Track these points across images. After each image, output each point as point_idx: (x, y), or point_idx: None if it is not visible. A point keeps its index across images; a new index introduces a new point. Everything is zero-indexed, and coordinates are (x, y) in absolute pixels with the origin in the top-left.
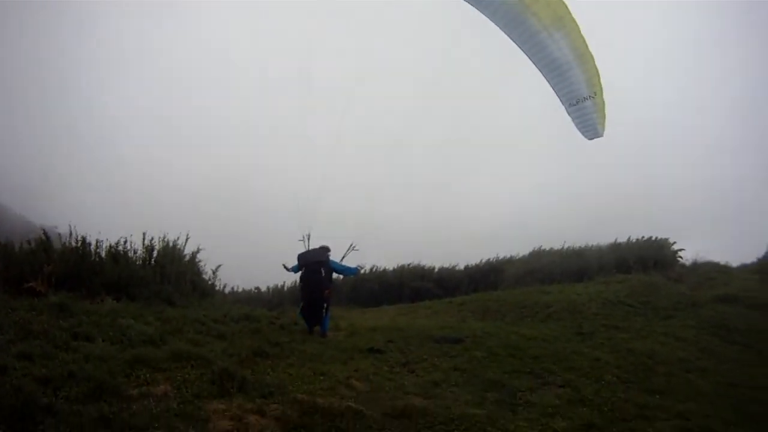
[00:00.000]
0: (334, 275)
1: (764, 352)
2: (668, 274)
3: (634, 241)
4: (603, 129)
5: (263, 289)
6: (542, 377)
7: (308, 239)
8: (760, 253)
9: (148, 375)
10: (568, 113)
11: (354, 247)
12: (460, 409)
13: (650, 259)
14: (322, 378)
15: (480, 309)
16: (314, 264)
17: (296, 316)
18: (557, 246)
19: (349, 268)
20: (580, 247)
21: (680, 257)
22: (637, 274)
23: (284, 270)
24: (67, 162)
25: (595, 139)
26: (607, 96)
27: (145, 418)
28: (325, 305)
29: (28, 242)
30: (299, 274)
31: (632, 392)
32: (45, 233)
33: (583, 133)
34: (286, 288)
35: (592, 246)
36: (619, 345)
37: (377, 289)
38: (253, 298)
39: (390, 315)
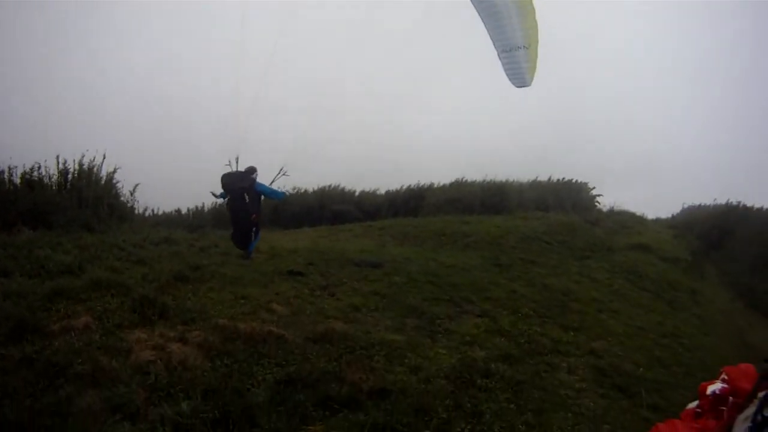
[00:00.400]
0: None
1: (673, 303)
2: (585, 217)
3: (554, 181)
4: (531, 79)
5: (183, 211)
6: (460, 306)
7: (237, 163)
8: (675, 211)
9: (68, 307)
10: (500, 58)
11: (284, 171)
12: (380, 334)
13: (568, 200)
14: (243, 302)
15: (400, 234)
16: (238, 190)
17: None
18: (479, 179)
19: (276, 192)
20: (501, 181)
21: (598, 202)
22: (556, 213)
23: (212, 196)
24: None
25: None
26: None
27: (68, 354)
28: (254, 229)
29: None
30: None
31: (548, 326)
32: None
33: (511, 80)
34: (206, 210)
35: (513, 181)
36: (536, 279)
37: (298, 210)
38: (173, 221)
39: (311, 237)
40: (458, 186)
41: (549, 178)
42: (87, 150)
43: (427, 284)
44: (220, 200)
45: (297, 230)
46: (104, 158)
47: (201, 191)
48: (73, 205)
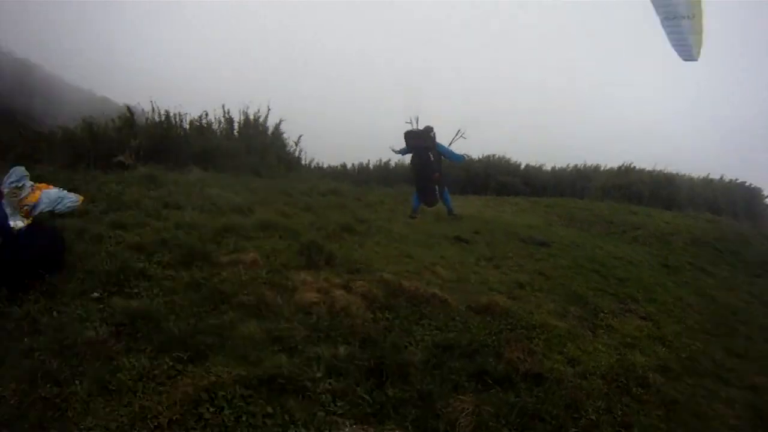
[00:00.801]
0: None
1: None
2: (759, 228)
3: (726, 181)
4: (698, 54)
5: (349, 166)
6: (625, 303)
7: (417, 122)
8: None
9: (237, 243)
10: (663, 26)
11: (462, 134)
12: (543, 317)
13: (741, 205)
14: (408, 260)
15: (566, 215)
16: (423, 149)
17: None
18: (647, 167)
19: (456, 154)
20: (671, 172)
21: None
22: (727, 217)
23: (392, 151)
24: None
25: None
26: None
27: (234, 285)
28: (438, 188)
29: (112, 120)
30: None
31: (712, 346)
32: (129, 110)
33: (677, 51)
34: (371, 167)
35: (683, 175)
36: (704, 290)
37: (464, 177)
38: (338, 174)
39: (476, 205)
40: (626, 171)
41: (721, 177)
42: (251, 101)
43: (593, 273)
44: (399, 156)
45: (462, 196)
46: (269, 110)
47: (368, 147)
48: (242, 152)
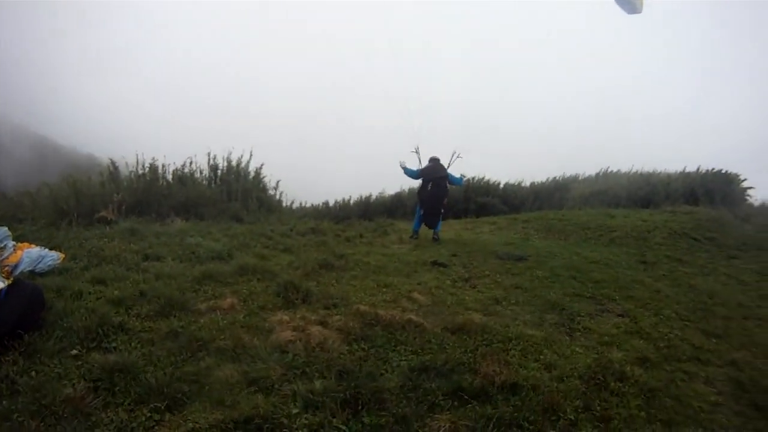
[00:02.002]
0: None
1: None
2: (735, 212)
3: (703, 172)
4: (641, 6)
5: (331, 203)
6: (602, 303)
7: (419, 152)
8: None
9: (216, 289)
10: None
11: (458, 155)
12: (519, 328)
13: (718, 192)
14: (385, 290)
15: (544, 227)
16: (440, 179)
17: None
18: (624, 169)
19: (457, 179)
20: (648, 172)
21: (749, 195)
22: (704, 207)
23: (399, 167)
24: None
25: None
26: None
27: (212, 331)
28: (442, 212)
29: (100, 174)
30: (419, 184)
31: (689, 331)
32: (113, 163)
33: (621, 6)
34: (352, 202)
35: (660, 172)
36: (681, 279)
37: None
38: (320, 213)
39: (455, 229)
40: (604, 177)
41: (698, 168)
42: (233, 148)
43: (570, 279)
44: (404, 173)
45: (442, 221)
46: (251, 155)
47: (348, 185)
48: (223, 198)
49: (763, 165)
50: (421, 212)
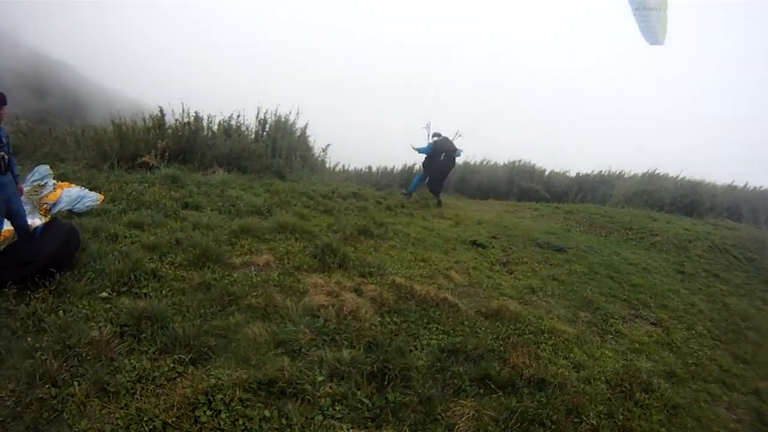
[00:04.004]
0: None
1: None
2: None
3: (750, 189)
4: (663, 39)
5: (374, 169)
6: (636, 309)
7: (429, 126)
8: None
9: (252, 245)
10: (634, 16)
11: (459, 133)
12: (552, 322)
13: (763, 212)
14: (422, 264)
15: (586, 221)
16: (451, 152)
17: (408, 189)
18: (672, 173)
19: (459, 152)
20: (695, 180)
21: None
22: (748, 224)
23: (412, 149)
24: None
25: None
26: None
27: (244, 287)
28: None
29: (143, 120)
30: (429, 155)
31: (719, 352)
32: (161, 110)
33: (645, 37)
34: (395, 171)
35: (707, 183)
36: (717, 296)
37: (486, 182)
38: (362, 177)
39: (496, 210)
40: (650, 178)
41: (745, 185)
42: (280, 103)
43: (607, 279)
44: (417, 152)
45: (483, 201)
46: (298, 113)
47: (388, 152)
48: (267, 153)
49: None
50: (427, 180)
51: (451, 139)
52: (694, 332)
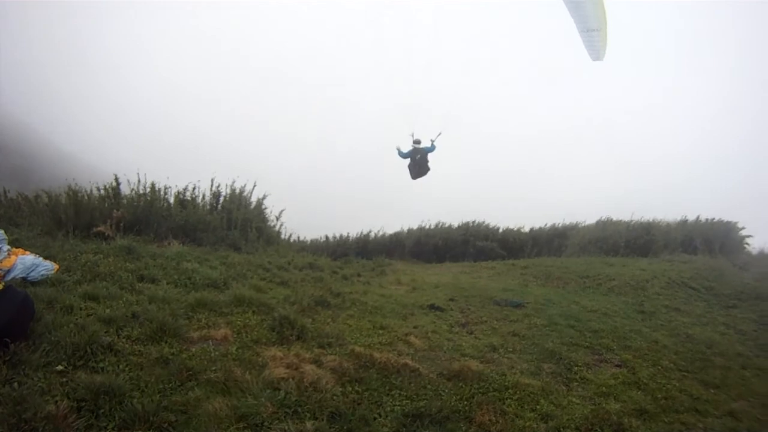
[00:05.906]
0: None
1: None
2: (734, 261)
3: (702, 221)
4: (603, 55)
5: (330, 238)
6: (600, 353)
7: (412, 136)
8: None
9: (209, 318)
10: (581, 36)
11: (440, 134)
12: (515, 377)
13: (717, 241)
14: (381, 332)
15: (543, 274)
16: (423, 156)
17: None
18: (625, 218)
19: (428, 148)
20: (647, 221)
21: (747, 244)
22: (703, 255)
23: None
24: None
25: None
26: None
27: (203, 361)
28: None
29: (98, 189)
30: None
31: (687, 382)
32: (116, 179)
33: (589, 54)
34: (351, 239)
35: (659, 221)
36: (679, 329)
37: (441, 245)
38: (319, 247)
39: (453, 273)
40: (603, 225)
41: (697, 218)
42: (238, 176)
43: (568, 328)
44: (400, 156)
45: (439, 265)
46: (255, 185)
47: (345, 221)
48: (223, 225)
49: None
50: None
51: (432, 138)
52: (660, 367)
